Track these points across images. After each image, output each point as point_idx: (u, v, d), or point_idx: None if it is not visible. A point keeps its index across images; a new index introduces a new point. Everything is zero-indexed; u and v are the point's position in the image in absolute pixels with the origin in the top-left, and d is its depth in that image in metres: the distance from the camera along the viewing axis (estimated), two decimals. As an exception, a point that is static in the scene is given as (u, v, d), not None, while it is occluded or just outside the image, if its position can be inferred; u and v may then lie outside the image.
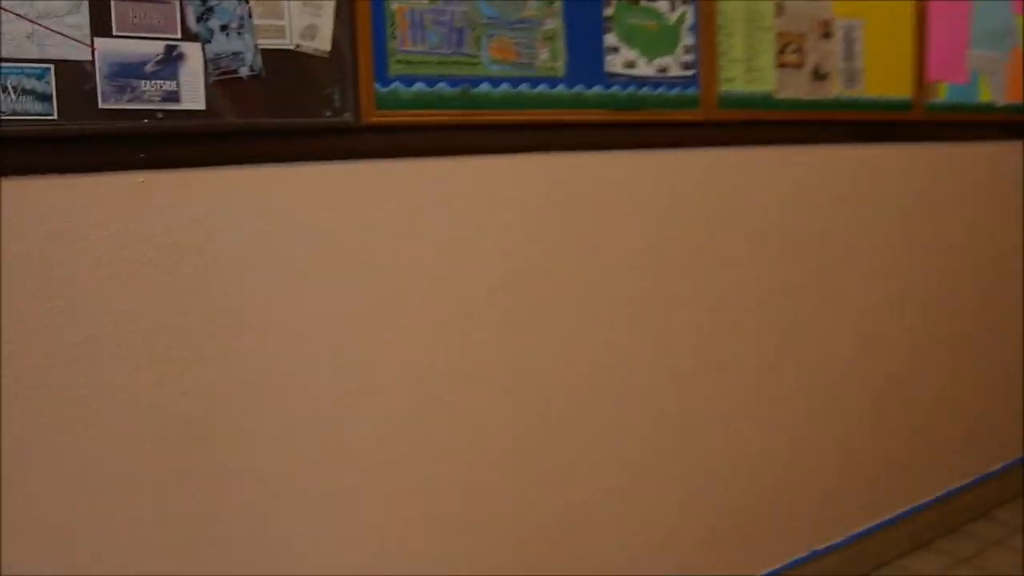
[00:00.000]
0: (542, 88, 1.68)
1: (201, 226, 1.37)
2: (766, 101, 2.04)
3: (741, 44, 1.98)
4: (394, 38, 1.51)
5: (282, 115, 1.43)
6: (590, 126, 1.76)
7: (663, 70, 1.85)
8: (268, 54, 1.41)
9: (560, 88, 1.70)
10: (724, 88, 1.95)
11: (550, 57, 1.68)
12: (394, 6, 1.51)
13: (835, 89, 2.18)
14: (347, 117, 1.48)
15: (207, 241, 1.37)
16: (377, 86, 1.50)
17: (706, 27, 1.91)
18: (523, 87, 1.66)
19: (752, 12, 1.99)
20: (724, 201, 1.98)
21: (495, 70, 1.62)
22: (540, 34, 1.67)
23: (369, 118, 1.49)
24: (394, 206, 1.54)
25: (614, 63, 1.78)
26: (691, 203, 1.93)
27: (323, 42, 1.45)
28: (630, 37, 1.80)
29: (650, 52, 1.83)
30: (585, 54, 1.73)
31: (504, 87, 1.63)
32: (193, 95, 1.35)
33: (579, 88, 1.73)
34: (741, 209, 2.01)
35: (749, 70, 2.00)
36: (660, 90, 1.85)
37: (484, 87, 1.61)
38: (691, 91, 1.90)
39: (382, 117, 1.51)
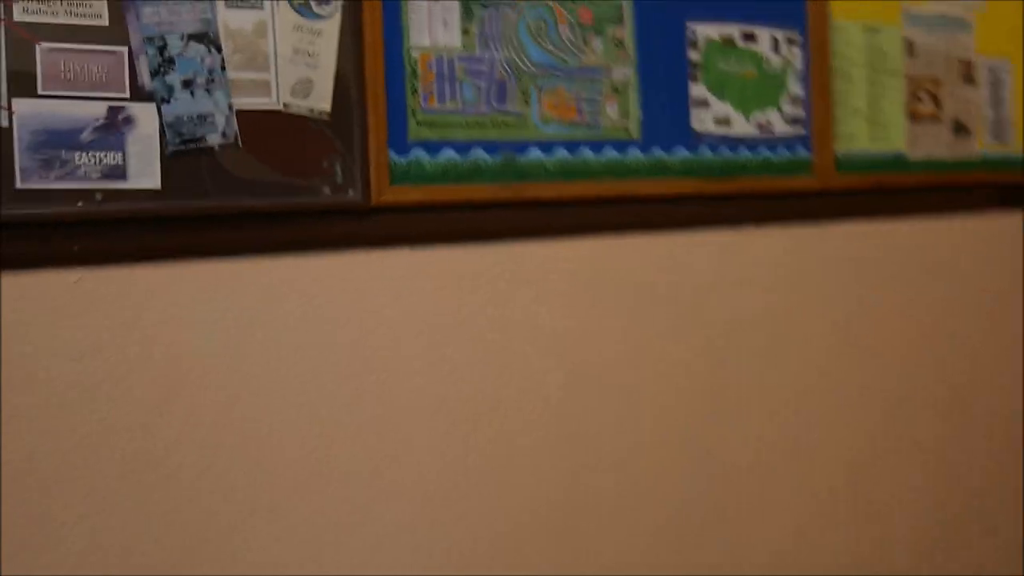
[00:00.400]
0: (609, 153, 1.31)
1: (156, 342, 1.04)
2: (896, 162, 1.62)
3: (863, 92, 1.58)
4: (415, 93, 1.18)
5: (266, 195, 1.10)
6: (672, 200, 1.38)
7: (765, 127, 1.46)
8: (247, 116, 1.08)
9: (633, 153, 1.33)
10: (843, 148, 1.55)
11: (620, 114, 1.32)
12: (415, 53, 1.18)
13: (980, 145, 1.75)
14: (352, 195, 1.14)
15: (167, 361, 1.04)
16: (392, 155, 1.16)
17: (818, 72, 1.52)
18: (585, 152, 1.29)
19: (875, 53, 1.60)
20: (846, 290, 1.56)
21: (548, 131, 1.26)
22: (607, 85, 1.31)
23: (382, 196, 1.15)
24: (414, 309, 1.18)
25: (703, 120, 1.40)
26: (808, 294, 1.52)
27: (321, 100, 1.12)
28: (723, 87, 1.42)
29: (749, 106, 1.45)
30: (665, 109, 1.36)
31: (560, 153, 1.27)
32: (145, 170, 1.03)
33: (658, 152, 1.35)
34: (869, 296, 1.59)
35: (873, 124, 1.59)
36: (762, 153, 1.46)
37: (534, 153, 1.25)
38: (801, 153, 1.50)
39: (399, 195, 1.16)
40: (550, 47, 1.26)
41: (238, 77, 1.08)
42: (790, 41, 1.49)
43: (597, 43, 1.30)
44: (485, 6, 1.22)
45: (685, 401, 1.40)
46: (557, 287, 1.29)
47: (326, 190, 1.13)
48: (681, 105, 1.38)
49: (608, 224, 1.33)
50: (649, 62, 1.34)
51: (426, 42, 1.18)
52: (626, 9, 1.32)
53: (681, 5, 1.38)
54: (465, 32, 1.20)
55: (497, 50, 1.23)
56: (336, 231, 1.15)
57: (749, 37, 1.45)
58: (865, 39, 1.59)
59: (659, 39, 1.35)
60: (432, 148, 1.19)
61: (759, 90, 1.46)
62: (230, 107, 1.07)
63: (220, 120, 1.07)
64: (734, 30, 1.43)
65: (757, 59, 1.46)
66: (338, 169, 1.13)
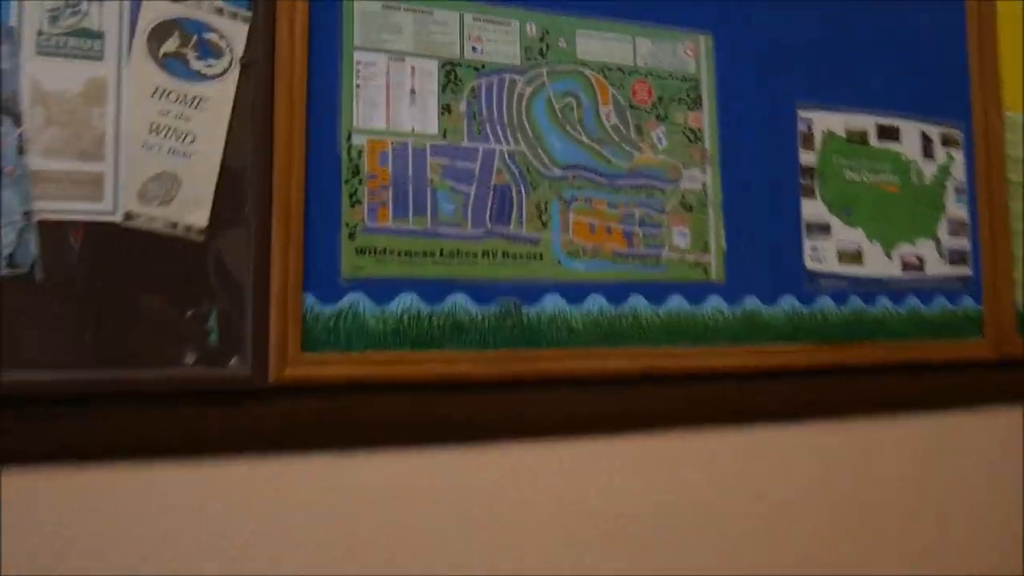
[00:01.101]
0: (676, 305, 0.83)
1: None
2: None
3: (1052, 219, 1.07)
4: (355, 203, 0.73)
5: (88, 364, 0.64)
6: (773, 375, 0.88)
7: (914, 267, 0.97)
8: (58, 232, 0.64)
9: (714, 304, 0.85)
10: (1027, 299, 1.04)
11: (694, 244, 0.84)
12: (360, 140, 0.73)
13: None
14: (238, 368, 0.68)
15: None
16: (311, 302, 0.70)
17: (991, 186, 1.02)
18: (636, 303, 0.82)
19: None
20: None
21: (577, 269, 0.79)
22: (673, 198, 0.84)
23: (287, 370, 0.69)
24: (333, 554, 0.70)
25: (821, 255, 0.92)
26: (973, 508, 0.98)
27: (191, 209, 0.68)
28: (851, 205, 0.94)
29: (889, 234, 0.96)
30: (764, 238, 0.88)
31: (596, 303, 0.80)
32: None
33: (752, 303, 0.87)
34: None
35: (1069, 266, 1.08)
36: (910, 304, 0.96)
37: (553, 303, 0.78)
38: (968, 305, 1.00)
39: (317, 367, 0.70)
40: (584, 138, 0.81)
41: (47, 168, 0.64)
42: (948, 140, 1.01)
43: (659, 133, 0.84)
44: (480, 71, 0.77)
45: None
46: (592, 528, 0.79)
47: (188, 359, 0.67)
48: (788, 232, 0.90)
49: (671, 414, 0.83)
50: (739, 165, 0.88)
51: (380, 123, 0.74)
52: (705, 85, 0.87)
53: (788, 81, 0.92)
54: (446, 111, 0.76)
55: (499, 140, 0.77)
56: (208, 426, 0.68)
57: (889, 133, 0.97)
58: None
59: (755, 131, 0.89)
60: (380, 292, 0.73)
61: (904, 211, 0.97)
62: (27, 215, 0.63)
63: (7, 237, 0.63)
64: (867, 122, 0.96)
65: (901, 164, 0.98)
66: (213, 325, 0.68)
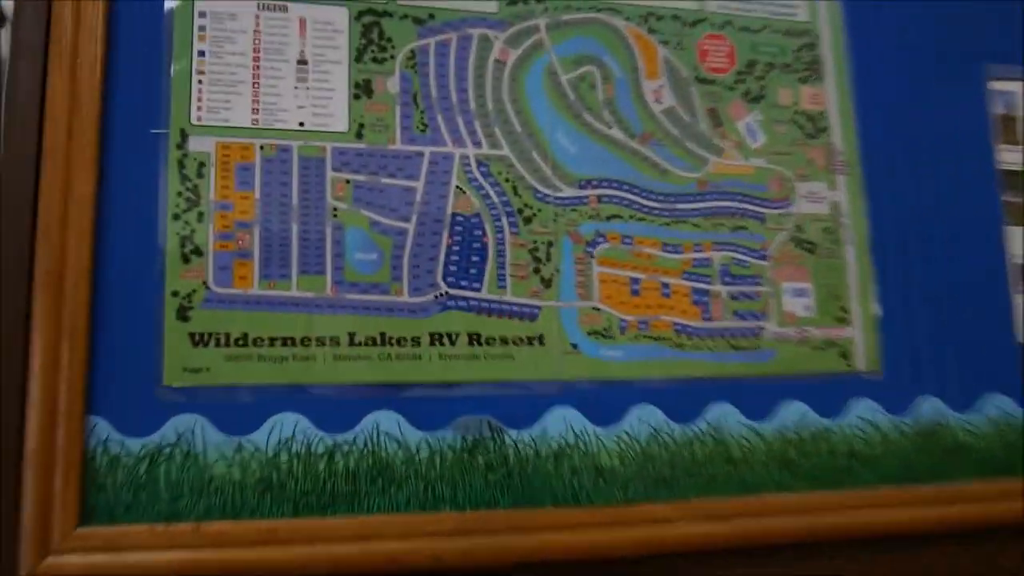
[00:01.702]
0: (793, 417, 0.47)
1: None
2: None
3: None
4: (191, 255, 0.41)
5: None
6: (988, 535, 0.49)
7: None
8: None
9: (863, 413, 0.48)
10: None
11: (819, 310, 0.48)
12: (206, 144, 0.42)
13: None
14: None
15: None
16: (99, 434, 0.38)
17: None
18: (718, 416, 0.46)
19: None
20: None
21: (608, 361, 0.45)
22: (776, 234, 0.48)
23: (47, 560, 0.37)
24: None
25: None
26: None
27: None
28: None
29: None
30: (945, 295, 0.51)
31: (644, 419, 0.45)
32: None
33: (931, 409, 0.49)
34: None
35: None
36: None
37: (562, 421, 0.43)
38: None
39: (111, 555, 0.37)
40: (616, 133, 0.47)
41: None
42: None
43: (750, 123, 0.49)
44: (425, 24, 0.45)
45: None
46: None
47: None
48: (988, 283, 0.52)
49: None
50: (895, 172, 0.51)
51: (240, 115, 0.42)
52: (829, 40, 0.52)
53: (972, 33, 0.55)
54: (363, 92, 0.44)
55: (460, 140, 0.44)
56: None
57: None
58: None
59: (920, 115, 0.53)
60: (237, 412, 0.40)
61: None
62: None
63: None
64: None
65: None
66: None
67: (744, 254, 0.48)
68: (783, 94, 0.50)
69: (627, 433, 0.44)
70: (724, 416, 0.46)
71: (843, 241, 0.49)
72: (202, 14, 0.42)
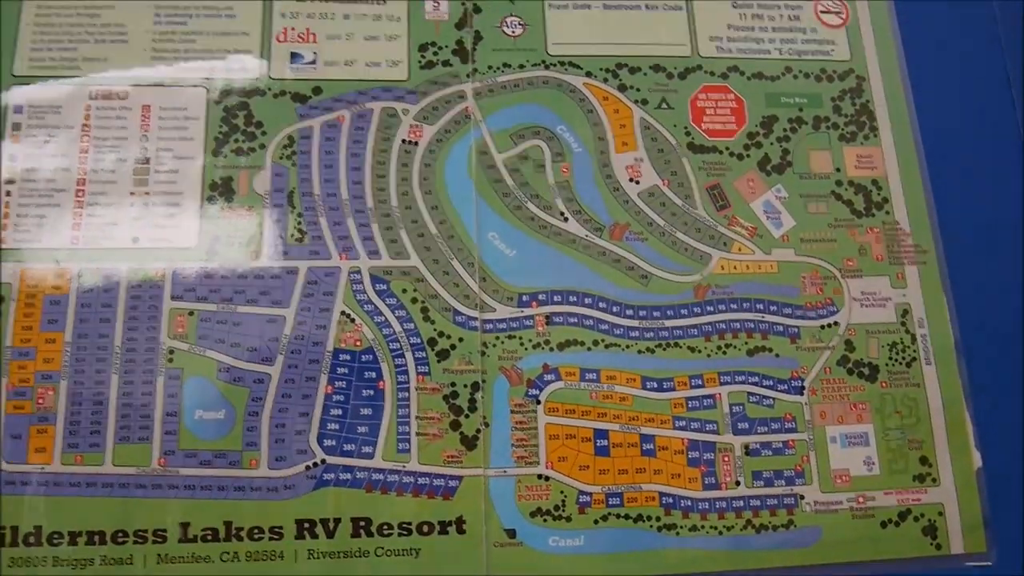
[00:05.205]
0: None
1: None
2: None
3: None
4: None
5: None
6: None
7: None
8: None
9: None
10: None
11: (885, 469, 0.33)
12: (8, 271, 0.32)
13: None
14: None
15: None
16: None
17: None
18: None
19: None
20: None
21: (560, 556, 0.31)
22: (810, 357, 0.34)
23: None
24: None
25: None
26: None
27: None
28: None
29: None
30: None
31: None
32: None
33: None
34: None
35: None
36: None
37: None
38: None
39: None
40: (573, 227, 0.34)
41: None
42: None
43: (769, 200, 0.36)
44: (308, 102, 0.35)
45: None
46: None
47: None
48: None
49: None
50: (986, 264, 0.36)
51: (55, 235, 0.32)
52: (880, 82, 0.38)
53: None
54: (221, 194, 0.33)
55: (351, 250, 0.33)
56: None
57: None
58: None
59: (1014, 176, 0.38)
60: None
61: None
62: None
63: None
64: None
65: None
66: None
67: (768, 387, 0.33)
68: (817, 159, 0.36)
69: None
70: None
71: (920, 360, 0.34)
72: (18, 109, 0.33)
